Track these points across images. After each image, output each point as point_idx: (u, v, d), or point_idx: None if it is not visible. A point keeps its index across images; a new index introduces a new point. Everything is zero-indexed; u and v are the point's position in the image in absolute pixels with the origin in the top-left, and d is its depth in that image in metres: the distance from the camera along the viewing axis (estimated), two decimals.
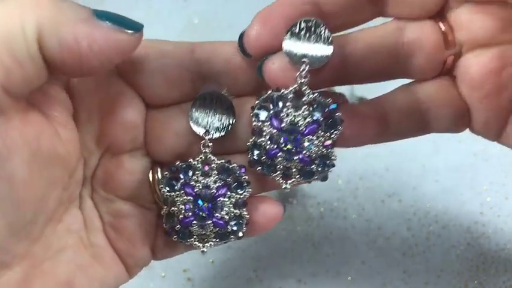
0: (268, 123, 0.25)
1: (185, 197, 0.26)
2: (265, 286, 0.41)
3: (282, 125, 0.25)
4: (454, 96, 0.27)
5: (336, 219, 0.44)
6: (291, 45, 0.24)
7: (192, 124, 0.26)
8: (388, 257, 0.42)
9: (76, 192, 0.26)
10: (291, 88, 0.24)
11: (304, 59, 0.24)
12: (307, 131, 0.24)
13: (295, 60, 0.24)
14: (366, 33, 0.27)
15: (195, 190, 0.26)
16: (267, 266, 0.42)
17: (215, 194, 0.26)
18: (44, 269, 0.24)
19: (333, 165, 0.25)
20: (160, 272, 0.42)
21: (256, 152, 0.25)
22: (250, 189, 0.26)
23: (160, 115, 0.27)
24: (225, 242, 0.26)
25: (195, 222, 0.26)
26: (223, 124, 0.26)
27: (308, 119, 0.24)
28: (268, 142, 0.25)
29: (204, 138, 0.26)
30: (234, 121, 0.26)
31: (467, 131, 0.30)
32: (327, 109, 0.25)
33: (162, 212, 0.26)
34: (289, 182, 0.26)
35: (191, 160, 0.26)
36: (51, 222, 0.24)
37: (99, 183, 0.26)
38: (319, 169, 0.25)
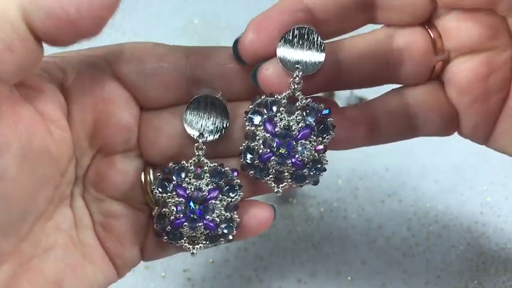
0: (262, 127, 0.25)
1: (177, 199, 0.26)
2: (265, 286, 0.41)
3: (276, 129, 0.25)
4: (442, 101, 0.28)
5: (336, 219, 0.44)
6: (284, 52, 0.25)
7: (186, 127, 0.26)
8: (388, 257, 0.42)
9: (67, 191, 0.26)
10: (284, 94, 0.25)
11: (298, 66, 0.25)
12: (300, 135, 0.25)
13: (289, 66, 0.25)
14: (357, 40, 0.27)
15: (187, 192, 0.26)
16: (267, 266, 0.42)
17: (207, 196, 0.26)
18: (32, 266, 0.24)
19: (325, 170, 0.26)
20: (161, 272, 0.42)
21: (249, 156, 0.26)
22: (242, 193, 0.26)
23: (154, 117, 0.27)
24: (215, 245, 0.27)
25: (186, 223, 0.26)
26: (217, 127, 0.26)
27: (301, 124, 0.25)
28: (262, 146, 0.25)
29: (197, 141, 0.26)
30: (227, 124, 0.26)
31: None
32: (319, 114, 0.25)
33: (153, 213, 0.26)
34: (281, 186, 0.26)
35: (184, 162, 0.26)
36: (41, 220, 0.24)
37: (90, 183, 0.27)
38: (311, 173, 0.26)
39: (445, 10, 0.26)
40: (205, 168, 0.26)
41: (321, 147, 0.25)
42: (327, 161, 0.26)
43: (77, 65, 0.26)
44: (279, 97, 0.25)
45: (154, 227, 0.26)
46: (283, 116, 0.25)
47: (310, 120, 0.25)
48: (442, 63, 0.27)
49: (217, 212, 0.26)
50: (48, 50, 0.23)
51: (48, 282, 0.24)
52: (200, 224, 0.26)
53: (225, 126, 0.26)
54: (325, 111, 0.25)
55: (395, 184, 0.45)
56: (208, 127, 0.26)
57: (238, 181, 0.26)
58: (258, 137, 0.25)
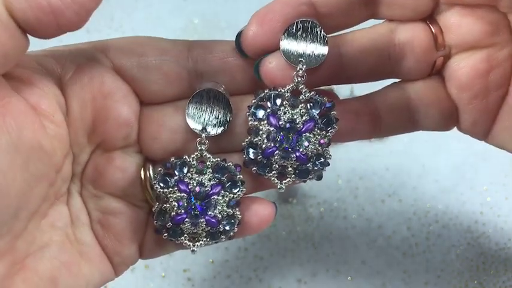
0: (266, 121, 0.25)
1: (178, 194, 0.25)
2: (265, 286, 0.41)
3: (280, 123, 0.25)
4: (442, 96, 0.28)
5: (336, 219, 0.44)
6: (287, 45, 0.25)
7: (188, 121, 0.26)
8: (388, 256, 0.42)
9: (63, 188, 0.26)
10: (288, 87, 0.25)
11: (301, 59, 0.25)
12: (304, 128, 0.25)
13: (292, 59, 0.25)
14: (359, 34, 0.27)
15: (189, 187, 0.25)
16: (267, 266, 0.42)
17: (209, 192, 0.25)
18: (26, 265, 0.23)
19: (328, 164, 0.25)
20: (161, 272, 0.42)
21: (251, 152, 0.25)
22: (244, 189, 0.26)
23: (156, 112, 0.27)
24: (215, 242, 0.26)
25: (187, 219, 0.25)
26: (220, 121, 0.26)
27: (305, 117, 0.25)
28: (265, 140, 0.25)
29: (199, 136, 0.26)
30: (231, 118, 0.26)
31: None
32: (323, 107, 0.25)
33: (153, 209, 0.26)
34: (284, 182, 0.26)
35: (186, 157, 0.26)
36: (35, 218, 0.24)
37: (88, 180, 0.26)
38: (315, 168, 0.25)
39: (446, 6, 0.26)
40: (208, 163, 0.26)
41: (324, 140, 0.25)
42: (330, 155, 0.26)
43: (75, 59, 0.25)
44: (283, 90, 0.25)
45: (153, 224, 0.26)
46: (286, 109, 0.25)
47: (314, 113, 0.25)
48: (443, 58, 0.27)
49: (219, 208, 0.25)
50: (45, 45, 0.23)
51: (43, 281, 0.24)
52: (202, 220, 0.25)
53: (228, 120, 0.26)
54: (329, 104, 0.25)
55: (395, 184, 0.45)
56: (211, 121, 0.26)
57: (241, 177, 0.26)
58: (261, 132, 0.25)
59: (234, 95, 0.27)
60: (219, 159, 0.26)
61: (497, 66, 0.26)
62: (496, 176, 0.45)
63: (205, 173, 0.26)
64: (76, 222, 0.26)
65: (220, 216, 0.25)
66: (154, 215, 0.26)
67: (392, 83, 0.29)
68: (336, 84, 0.28)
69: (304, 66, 0.25)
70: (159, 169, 0.26)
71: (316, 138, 0.25)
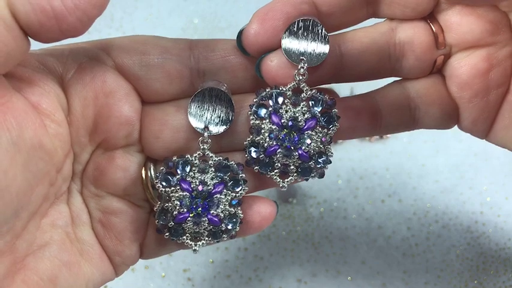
0: (268, 120, 0.25)
1: (181, 193, 0.25)
2: (265, 286, 0.41)
3: (282, 121, 0.25)
4: (443, 94, 0.28)
5: (336, 219, 0.44)
6: (289, 43, 0.25)
7: (191, 119, 0.26)
8: (388, 256, 0.42)
9: (63, 187, 0.25)
10: (289, 85, 0.25)
11: (302, 57, 0.25)
12: (306, 126, 0.25)
13: (293, 58, 0.25)
14: (359, 33, 0.27)
15: (192, 186, 0.25)
16: (267, 266, 0.42)
17: (212, 190, 0.25)
18: (26, 264, 0.23)
19: (330, 162, 0.26)
20: (160, 272, 0.42)
21: (253, 151, 0.26)
22: (247, 188, 0.26)
23: (157, 111, 0.26)
24: (217, 241, 0.26)
25: (189, 218, 0.25)
26: (222, 120, 0.26)
27: (307, 115, 0.25)
28: (267, 139, 0.25)
29: (201, 135, 0.26)
30: (233, 117, 0.26)
31: None
32: (325, 104, 0.25)
33: (154, 209, 0.26)
34: (286, 180, 0.26)
35: (188, 156, 0.26)
36: (35, 217, 0.24)
37: (89, 179, 0.26)
38: (317, 166, 0.26)
39: (447, 5, 0.26)
40: (210, 162, 0.26)
41: (326, 138, 0.25)
42: (332, 153, 0.26)
43: (76, 58, 0.25)
44: (284, 88, 0.25)
45: (155, 223, 0.26)
46: (288, 107, 0.25)
47: (316, 110, 0.25)
48: (443, 57, 0.27)
49: (222, 207, 0.25)
50: (46, 44, 0.23)
51: (43, 280, 0.24)
52: (204, 219, 0.25)
53: (230, 119, 0.26)
54: (330, 102, 0.25)
55: (395, 184, 0.45)
56: (213, 120, 0.26)
57: (244, 176, 0.25)
58: (263, 130, 0.25)
59: (236, 93, 0.27)
60: (221, 158, 0.26)
61: (497, 65, 0.26)
62: (496, 176, 0.45)
63: (208, 172, 0.25)
64: (76, 222, 0.26)
65: (222, 215, 0.25)
66: (155, 214, 0.26)
67: (393, 81, 0.29)
68: (336, 83, 0.28)
69: (306, 65, 0.25)
70: (161, 168, 0.26)
71: (318, 136, 0.25)
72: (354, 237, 0.43)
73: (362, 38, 0.27)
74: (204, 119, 0.26)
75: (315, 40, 0.25)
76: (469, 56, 0.26)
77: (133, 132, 0.26)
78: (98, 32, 0.54)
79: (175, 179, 0.25)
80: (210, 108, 0.26)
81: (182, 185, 0.25)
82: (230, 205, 0.25)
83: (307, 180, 0.26)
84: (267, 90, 0.25)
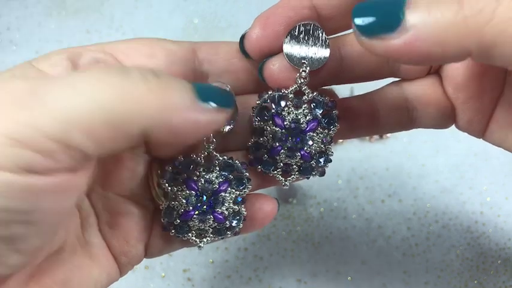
0: (270, 121, 0.26)
1: (187, 191, 0.26)
2: (265, 286, 0.41)
3: (285, 123, 0.26)
4: (440, 95, 0.28)
5: (336, 219, 0.44)
6: (290, 47, 0.25)
7: None
8: (388, 257, 0.42)
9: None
10: (291, 88, 0.26)
11: (304, 61, 0.25)
12: (308, 128, 0.26)
13: (295, 62, 0.25)
14: None
15: (198, 185, 0.26)
16: (267, 266, 0.42)
17: (217, 189, 0.26)
18: (41, 269, 0.23)
19: (330, 161, 0.26)
20: (160, 272, 0.42)
21: (257, 151, 0.26)
22: (250, 186, 0.26)
23: None
24: (222, 238, 0.27)
25: (195, 216, 0.26)
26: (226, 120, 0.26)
27: (309, 117, 0.26)
28: (271, 141, 0.26)
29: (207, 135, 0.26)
30: (237, 118, 0.26)
31: None
32: (326, 106, 0.26)
33: (161, 207, 0.26)
34: (288, 179, 0.27)
35: (194, 155, 0.26)
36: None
37: (97, 182, 0.26)
38: (318, 165, 0.26)
39: None
40: (215, 161, 0.26)
41: (327, 139, 0.26)
42: (332, 152, 0.26)
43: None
44: (286, 91, 0.26)
45: (161, 222, 0.26)
46: (290, 109, 0.26)
47: (318, 112, 0.26)
48: None
49: (226, 204, 0.26)
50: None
51: (57, 284, 0.24)
52: (209, 217, 0.26)
53: (234, 119, 0.26)
54: (331, 104, 0.26)
55: (395, 184, 0.45)
56: None
57: (248, 174, 0.26)
58: (266, 132, 0.26)
59: (239, 94, 0.27)
60: (225, 157, 0.26)
61: (491, 69, 0.26)
62: (496, 176, 0.45)
63: (213, 171, 0.26)
64: (85, 224, 0.26)
65: (227, 213, 0.26)
66: (162, 213, 0.26)
67: (391, 82, 0.29)
68: (337, 85, 0.28)
69: (307, 68, 0.25)
70: (168, 167, 0.26)
71: (320, 137, 0.26)
72: (354, 237, 0.43)
73: None
74: None
75: (316, 44, 0.26)
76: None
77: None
78: (98, 32, 0.54)
79: (181, 178, 0.26)
80: None
81: (189, 183, 0.26)
82: (234, 203, 0.26)
83: (308, 178, 0.27)
84: (270, 93, 0.26)
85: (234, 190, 0.26)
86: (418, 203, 0.44)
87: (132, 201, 0.27)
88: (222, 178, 0.26)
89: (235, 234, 0.26)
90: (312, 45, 0.25)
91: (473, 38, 0.18)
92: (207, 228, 0.26)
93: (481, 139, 0.29)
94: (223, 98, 0.22)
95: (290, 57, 0.25)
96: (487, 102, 0.27)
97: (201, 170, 0.26)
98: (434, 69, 0.28)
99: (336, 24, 0.27)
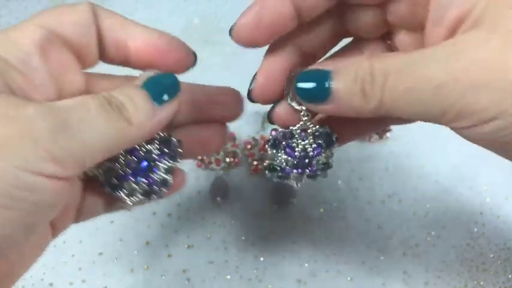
0: (283, 151, 0.31)
1: (129, 157, 0.29)
2: (264, 286, 0.41)
3: (295, 153, 0.30)
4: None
5: (335, 220, 0.44)
6: (292, 103, 0.29)
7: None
8: (388, 257, 0.42)
9: None
10: (297, 126, 0.30)
11: (303, 109, 0.29)
12: (315, 154, 0.30)
13: (297, 110, 0.30)
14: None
15: (140, 153, 0.29)
16: (266, 266, 0.42)
17: (154, 158, 0.30)
18: None
19: (331, 167, 0.31)
20: (160, 272, 0.42)
21: (272, 172, 0.31)
22: (179, 161, 0.30)
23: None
24: (148, 200, 0.30)
25: (131, 177, 0.29)
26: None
27: (314, 145, 0.30)
28: (284, 164, 0.31)
29: None
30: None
31: None
32: (326, 136, 0.30)
33: (99, 170, 0.29)
34: (299, 183, 0.31)
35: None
36: None
37: None
38: (323, 172, 0.31)
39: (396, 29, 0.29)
40: (157, 135, 0.30)
41: (329, 154, 0.31)
42: (333, 160, 0.31)
43: None
44: (294, 128, 0.30)
45: (100, 180, 0.29)
46: (299, 141, 0.30)
47: (321, 141, 0.30)
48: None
49: (159, 173, 0.30)
50: None
51: None
52: (143, 179, 0.30)
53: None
54: (330, 131, 0.30)
55: (395, 184, 0.45)
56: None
57: (181, 150, 0.30)
58: (279, 159, 0.31)
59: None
60: (166, 134, 0.30)
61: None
62: (496, 176, 0.46)
63: (153, 144, 0.30)
64: None
65: (157, 179, 0.30)
66: (102, 172, 0.29)
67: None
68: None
69: (307, 113, 0.29)
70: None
71: (323, 156, 0.31)
72: (354, 237, 0.43)
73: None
74: None
75: None
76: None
77: None
78: None
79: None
80: None
81: (133, 151, 0.29)
82: (165, 172, 0.30)
83: (314, 180, 0.32)
84: (279, 131, 0.30)
85: (167, 162, 0.30)
86: (418, 203, 0.44)
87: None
88: (159, 150, 0.30)
89: (160, 197, 0.30)
90: None
91: (374, 104, 0.24)
92: (139, 189, 0.30)
93: None
94: (172, 88, 0.27)
95: (293, 107, 0.29)
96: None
97: (144, 145, 0.30)
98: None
99: (319, 55, 0.30)
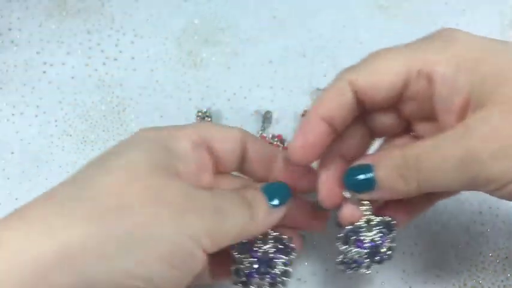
0: (354, 245, 0.34)
1: (251, 259, 0.34)
2: None
3: (365, 245, 0.34)
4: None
5: (335, 219, 0.44)
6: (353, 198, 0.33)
7: None
8: None
9: None
10: (362, 221, 0.34)
11: (363, 203, 0.33)
12: (382, 243, 0.34)
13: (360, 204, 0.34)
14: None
15: (258, 254, 0.34)
16: None
17: (271, 256, 0.34)
18: None
19: (394, 250, 0.35)
20: None
21: (345, 264, 0.35)
22: (295, 253, 0.34)
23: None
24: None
25: (256, 275, 0.34)
26: None
27: (379, 235, 0.34)
28: (355, 256, 0.34)
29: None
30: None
31: None
32: (389, 225, 0.34)
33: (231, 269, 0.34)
34: (368, 271, 0.36)
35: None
36: None
37: None
38: (389, 257, 0.35)
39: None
40: (269, 236, 0.34)
41: (392, 238, 0.35)
42: (394, 246, 0.35)
43: None
44: (360, 223, 0.34)
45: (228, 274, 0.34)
46: (366, 234, 0.34)
47: (384, 230, 0.34)
48: None
49: (278, 267, 0.34)
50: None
51: None
52: (267, 276, 0.34)
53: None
54: (389, 218, 0.34)
55: None
56: None
57: (293, 245, 0.34)
58: (351, 254, 0.34)
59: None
60: (277, 233, 0.34)
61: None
62: None
63: (268, 243, 0.34)
64: None
65: (278, 272, 0.34)
66: (232, 272, 0.34)
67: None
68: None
69: (370, 206, 0.33)
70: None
71: (387, 242, 0.34)
72: None
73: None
74: None
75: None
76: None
77: None
78: (99, 32, 0.54)
79: (246, 248, 0.34)
80: None
81: (251, 253, 0.34)
82: (284, 265, 0.34)
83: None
84: (347, 228, 0.34)
85: (284, 256, 0.34)
86: None
87: None
88: (274, 248, 0.34)
89: (284, 286, 0.34)
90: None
91: (414, 184, 0.29)
92: (265, 283, 0.34)
93: None
94: (285, 196, 0.32)
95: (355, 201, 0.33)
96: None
97: (260, 242, 0.34)
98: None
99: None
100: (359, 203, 0.33)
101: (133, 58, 0.52)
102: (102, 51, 0.53)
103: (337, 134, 0.32)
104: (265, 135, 0.47)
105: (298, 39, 0.54)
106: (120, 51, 0.53)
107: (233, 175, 0.35)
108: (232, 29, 0.54)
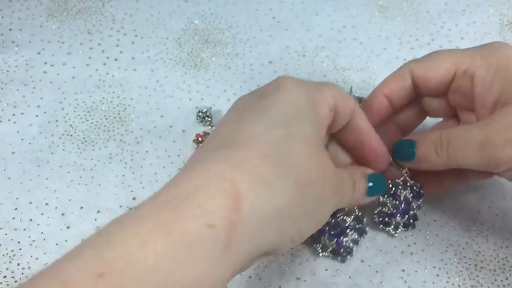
0: (391, 198, 0.42)
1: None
2: (264, 285, 0.41)
3: (401, 198, 0.42)
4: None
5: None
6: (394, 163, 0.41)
7: None
8: (387, 255, 0.42)
9: None
10: (400, 180, 0.42)
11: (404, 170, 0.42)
12: (412, 202, 0.42)
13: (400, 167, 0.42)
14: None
15: (335, 221, 0.41)
16: (266, 264, 0.42)
17: (346, 227, 0.41)
18: None
19: (418, 219, 0.43)
20: None
21: (382, 214, 0.43)
22: (365, 235, 0.43)
23: None
24: (335, 257, 0.42)
25: (327, 235, 0.41)
26: None
27: (411, 195, 0.42)
28: (391, 208, 0.42)
29: None
30: None
31: None
32: (419, 187, 0.42)
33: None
34: (397, 232, 0.43)
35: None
36: None
37: None
38: (413, 223, 0.43)
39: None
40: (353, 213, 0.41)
41: (418, 203, 0.43)
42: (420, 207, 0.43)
43: None
44: (398, 181, 0.42)
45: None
46: (401, 191, 0.42)
47: (415, 193, 0.42)
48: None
49: (347, 238, 0.41)
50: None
51: None
52: (334, 240, 0.41)
53: None
54: (420, 185, 0.42)
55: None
56: None
57: (366, 228, 0.42)
58: (388, 205, 0.42)
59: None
60: (358, 212, 0.42)
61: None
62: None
63: (350, 217, 0.41)
64: None
65: (345, 243, 0.41)
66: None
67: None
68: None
69: (407, 171, 0.42)
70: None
71: (415, 206, 0.42)
72: None
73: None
74: None
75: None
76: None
77: None
78: (99, 33, 0.54)
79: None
80: None
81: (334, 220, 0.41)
82: (352, 241, 0.41)
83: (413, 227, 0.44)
84: (390, 182, 0.42)
85: (355, 233, 0.41)
86: None
87: None
88: (352, 223, 0.41)
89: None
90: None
91: (444, 159, 0.37)
92: (329, 246, 0.41)
93: None
94: (381, 190, 0.39)
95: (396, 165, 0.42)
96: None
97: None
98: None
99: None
100: (401, 167, 0.41)
101: (133, 58, 0.53)
102: (102, 51, 0.53)
103: (394, 110, 0.41)
104: None
105: (298, 39, 0.54)
106: (121, 52, 0.53)
107: None
108: (232, 29, 0.54)
